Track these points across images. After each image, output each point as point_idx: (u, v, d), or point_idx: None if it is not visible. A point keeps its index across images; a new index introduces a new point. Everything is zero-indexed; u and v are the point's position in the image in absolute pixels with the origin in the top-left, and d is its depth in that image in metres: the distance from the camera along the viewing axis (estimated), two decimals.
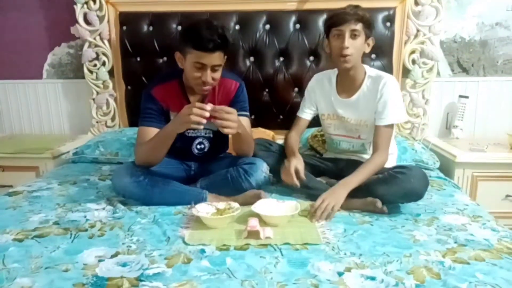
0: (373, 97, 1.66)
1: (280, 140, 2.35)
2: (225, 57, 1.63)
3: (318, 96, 1.83)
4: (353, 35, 1.60)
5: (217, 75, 1.60)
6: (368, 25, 1.62)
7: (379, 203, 1.48)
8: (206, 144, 1.81)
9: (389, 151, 1.69)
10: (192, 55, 1.54)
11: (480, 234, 1.32)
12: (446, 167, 2.11)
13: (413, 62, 2.37)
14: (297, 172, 1.61)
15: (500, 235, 1.31)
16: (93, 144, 2.22)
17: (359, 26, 1.59)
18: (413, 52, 2.36)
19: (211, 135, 1.81)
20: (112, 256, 1.18)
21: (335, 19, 1.61)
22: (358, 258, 1.17)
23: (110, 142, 2.21)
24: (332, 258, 1.17)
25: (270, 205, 1.49)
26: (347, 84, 1.73)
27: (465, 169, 2.07)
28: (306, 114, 1.87)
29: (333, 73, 1.80)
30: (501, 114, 2.49)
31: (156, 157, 1.64)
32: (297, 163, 1.63)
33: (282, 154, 1.77)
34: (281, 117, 2.44)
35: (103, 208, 1.56)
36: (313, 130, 2.24)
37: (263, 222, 1.39)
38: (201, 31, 1.51)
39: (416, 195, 1.49)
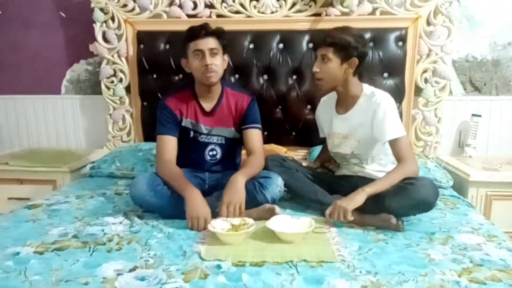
0: (365, 114, 1.69)
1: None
2: (223, 49, 1.76)
3: (322, 119, 1.94)
4: (324, 60, 1.66)
5: (217, 61, 1.72)
6: (342, 49, 1.63)
7: (393, 220, 1.49)
8: (218, 150, 1.87)
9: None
10: (190, 48, 1.72)
11: (496, 254, 1.31)
12: (460, 186, 2.11)
13: (426, 81, 2.39)
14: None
15: None
16: (109, 159, 2.26)
17: (329, 51, 1.64)
18: (425, 71, 2.38)
19: (223, 142, 1.87)
20: (131, 270, 1.20)
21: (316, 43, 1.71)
22: (373, 276, 1.17)
23: (126, 157, 2.25)
24: (347, 276, 1.17)
25: (284, 222, 1.50)
26: (343, 102, 1.79)
27: (478, 188, 2.06)
28: (322, 132, 1.99)
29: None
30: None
31: None
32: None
33: (296, 170, 1.80)
34: (294, 133, 2.47)
35: (120, 222, 1.58)
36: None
37: (277, 238, 1.41)
38: (194, 27, 1.74)
39: (427, 205, 1.49)
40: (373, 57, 2.32)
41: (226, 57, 1.80)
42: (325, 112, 1.91)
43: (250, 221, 1.49)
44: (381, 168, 1.75)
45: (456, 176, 2.15)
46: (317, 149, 2.34)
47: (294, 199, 1.81)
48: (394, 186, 1.53)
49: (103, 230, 1.51)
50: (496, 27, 2.42)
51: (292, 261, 1.25)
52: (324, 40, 1.66)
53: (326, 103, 1.92)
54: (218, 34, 1.74)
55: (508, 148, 2.48)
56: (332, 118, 1.84)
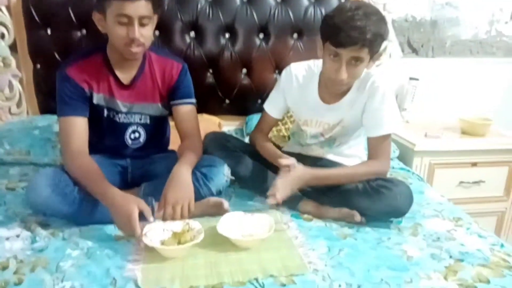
0: (360, 100, 1.40)
1: (227, 127, 2.11)
2: (156, 15, 1.34)
3: (294, 95, 1.50)
4: (354, 62, 1.25)
5: (147, 32, 1.31)
6: (376, 45, 1.24)
7: (357, 217, 1.30)
8: (142, 132, 1.50)
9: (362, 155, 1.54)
10: (112, 8, 1.25)
11: (471, 244, 1.21)
12: (404, 155, 2.02)
13: None
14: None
15: (489, 243, 1.23)
16: None
17: (363, 53, 1.22)
18: None
19: (148, 121, 1.50)
20: None
21: (335, 37, 1.21)
22: None
23: (18, 137, 1.76)
24: None
25: (236, 221, 1.24)
26: (334, 89, 1.40)
27: (423, 157, 2.00)
28: (275, 111, 1.56)
29: (315, 69, 1.46)
30: (448, 96, 2.46)
31: None
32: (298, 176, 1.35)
33: (243, 152, 1.52)
34: (227, 101, 2.16)
35: (17, 236, 1.19)
36: None
37: (230, 244, 1.15)
38: None
39: (400, 213, 1.32)
40: (315, 14, 2.06)
41: (155, 18, 1.36)
42: (300, 89, 1.48)
43: (195, 224, 1.20)
44: (347, 152, 1.55)
45: (399, 144, 2.06)
46: (254, 119, 2.08)
47: (241, 185, 1.55)
48: (365, 187, 1.33)
49: None
50: None
51: (256, 279, 1.01)
52: (356, 37, 1.18)
53: (303, 83, 1.47)
54: None
55: (442, 112, 2.46)
56: (314, 106, 1.46)
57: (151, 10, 1.29)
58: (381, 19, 1.23)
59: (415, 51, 2.40)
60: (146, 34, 1.30)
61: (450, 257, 1.14)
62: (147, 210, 1.16)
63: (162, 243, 1.13)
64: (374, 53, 1.27)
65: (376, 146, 1.38)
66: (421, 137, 2.06)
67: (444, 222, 1.35)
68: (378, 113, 1.36)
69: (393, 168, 1.81)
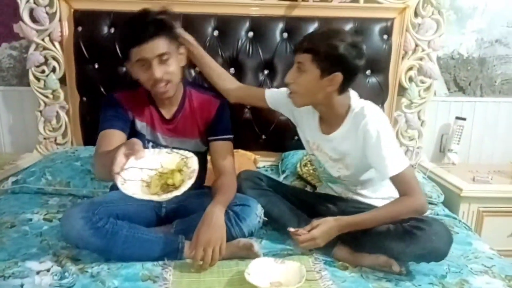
0: (355, 138, 1.34)
1: (263, 163, 2.09)
2: (179, 48, 1.39)
3: (304, 118, 1.51)
4: (300, 69, 1.31)
5: (171, 67, 1.33)
6: (323, 58, 1.25)
7: (396, 267, 1.22)
8: None
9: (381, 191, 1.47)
10: (132, 56, 1.31)
11: None
12: (449, 201, 1.89)
13: (410, 79, 2.14)
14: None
15: None
16: (38, 170, 1.81)
17: (307, 59, 1.28)
18: (410, 68, 2.13)
19: None
20: None
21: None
22: None
23: (60, 168, 1.81)
24: None
25: (266, 267, 1.19)
26: (327, 117, 1.41)
27: (471, 203, 1.86)
28: (272, 101, 1.60)
29: None
30: (497, 138, 2.32)
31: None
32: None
33: (277, 192, 1.49)
34: (264, 137, 2.14)
35: (48, 270, 1.19)
36: (302, 155, 1.96)
37: None
38: (131, 25, 1.32)
39: (439, 256, 1.22)
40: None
41: (182, 50, 1.40)
42: (307, 115, 1.49)
43: (192, 163, 1.12)
44: (377, 194, 1.47)
45: (444, 188, 1.93)
46: (291, 155, 2.05)
47: (273, 227, 1.50)
48: (398, 228, 1.25)
49: (22, 286, 1.11)
50: (484, 22, 2.21)
51: None
52: (301, 43, 1.31)
53: (310, 108, 1.46)
54: (166, 27, 1.32)
55: (491, 154, 2.32)
56: (315, 133, 1.46)
57: (168, 46, 1.32)
58: (342, 41, 1.25)
59: (461, 89, 2.29)
60: (169, 70, 1.33)
61: None
62: (136, 145, 1.05)
63: (144, 183, 1.08)
64: (323, 69, 1.27)
65: (399, 184, 1.30)
66: (469, 182, 1.93)
67: (494, 281, 1.23)
68: (378, 157, 1.30)
69: (437, 215, 1.70)
